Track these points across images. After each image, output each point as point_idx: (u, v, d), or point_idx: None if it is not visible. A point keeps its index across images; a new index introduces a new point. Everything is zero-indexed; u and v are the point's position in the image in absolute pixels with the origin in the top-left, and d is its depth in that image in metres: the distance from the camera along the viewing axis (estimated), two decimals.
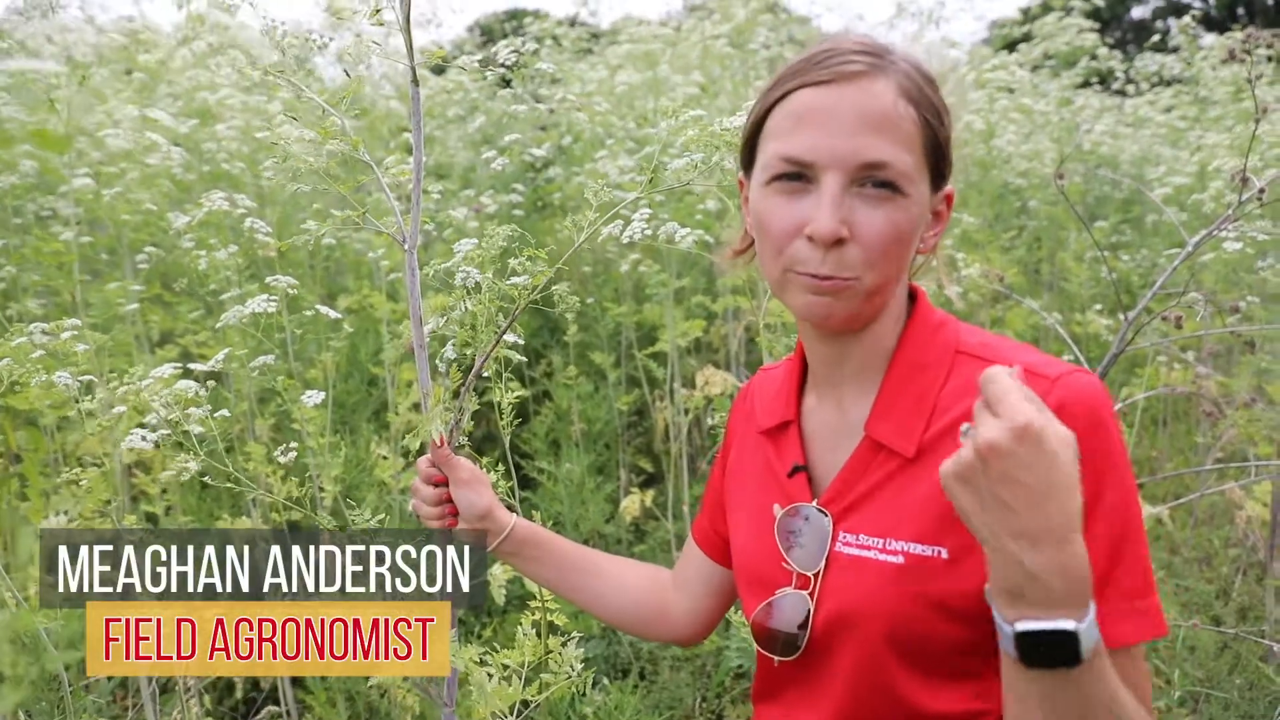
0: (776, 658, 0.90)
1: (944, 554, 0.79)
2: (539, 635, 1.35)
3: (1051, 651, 0.64)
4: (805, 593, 0.87)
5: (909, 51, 0.83)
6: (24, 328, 1.45)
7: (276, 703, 2.32)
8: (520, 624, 1.35)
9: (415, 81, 1.03)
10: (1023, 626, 0.65)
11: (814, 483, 0.91)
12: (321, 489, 2.22)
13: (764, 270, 0.86)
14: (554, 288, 1.14)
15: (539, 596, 1.38)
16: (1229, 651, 2.43)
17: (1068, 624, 0.63)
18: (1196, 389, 2.69)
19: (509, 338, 1.18)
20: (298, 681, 2.30)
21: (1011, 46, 4.75)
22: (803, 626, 0.87)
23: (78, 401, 1.42)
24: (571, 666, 1.32)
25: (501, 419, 1.25)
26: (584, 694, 2.32)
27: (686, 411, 2.88)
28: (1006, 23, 5.79)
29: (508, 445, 1.27)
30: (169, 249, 2.49)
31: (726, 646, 2.36)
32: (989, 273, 2.40)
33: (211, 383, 1.49)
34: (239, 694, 2.36)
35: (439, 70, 4.60)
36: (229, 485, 1.63)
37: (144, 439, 1.20)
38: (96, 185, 2.10)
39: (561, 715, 1.90)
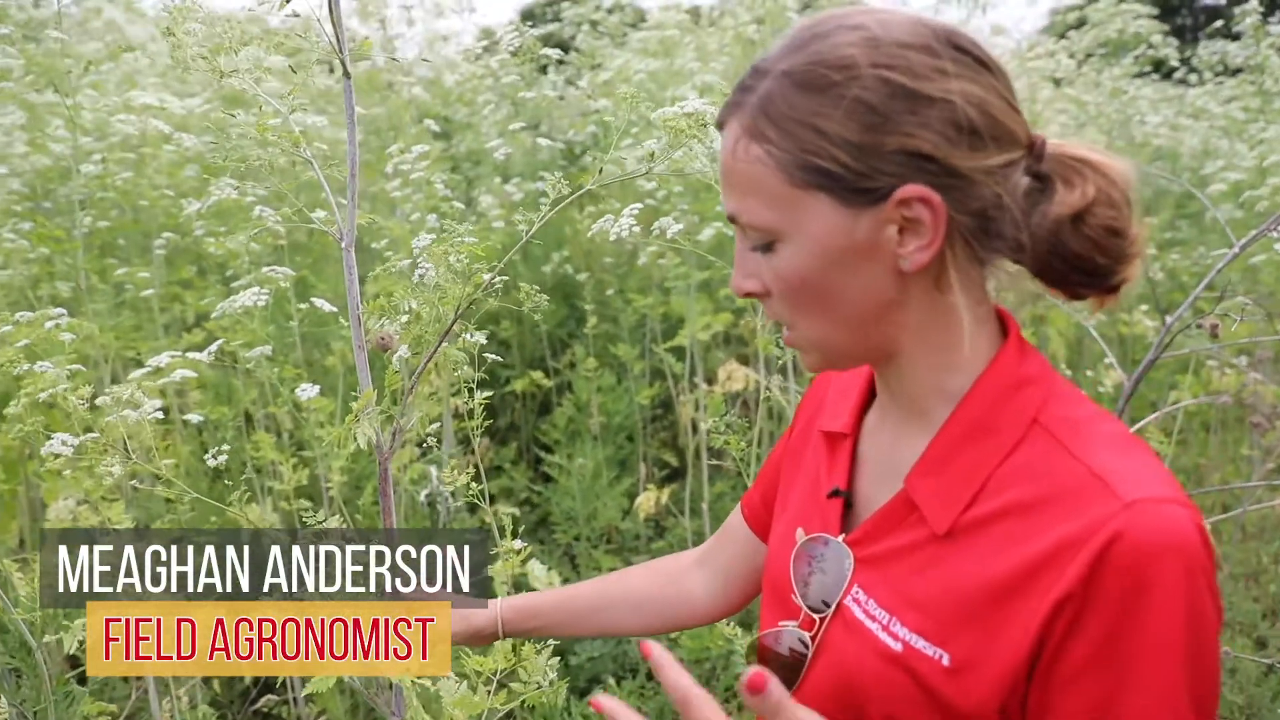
0: None
1: (945, 659, 0.68)
2: (513, 644, 1.31)
3: None
4: (808, 634, 0.79)
5: (806, 51, 0.69)
6: (9, 316, 1.45)
7: (284, 688, 2.33)
8: None
9: (347, 74, 0.99)
10: None
11: (851, 513, 0.81)
12: (328, 481, 2.22)
13: None
14: (580, 276, 1.10)
15: None
16: (1274, 677, 2.30)
17: None
18: (1244, 397, 2.55)
19: (472, 338, 1.14)
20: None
21: (1067, 34, 4.57)
22: (798, 668, 0.80)
23: (65, 398, 1.42)
24: (544, 675, 1.28)
25: (472, 420, 1.21)
26: (583, 696, 2.29)
27: (705, 407, 2.82)
28: (1065, 9, 5.59)
29: (478, 449, 1.23)
30: (187, 235, 2.51)
31: (735, 651, 2.30)
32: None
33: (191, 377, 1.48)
34: (247, 679, 2.38)
35: (477, 57, 4.59)
36: (242, 474, 1.62)
37: (64, 444, 1.18)
38: (105, 171, 2.11)
39: (556, 718, 1.87)
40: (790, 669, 0.80)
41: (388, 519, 1.17)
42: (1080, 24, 4.00)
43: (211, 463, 1.26)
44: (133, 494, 2.30)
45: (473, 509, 2.82)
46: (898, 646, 0.71)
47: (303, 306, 1.87)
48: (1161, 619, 0.61)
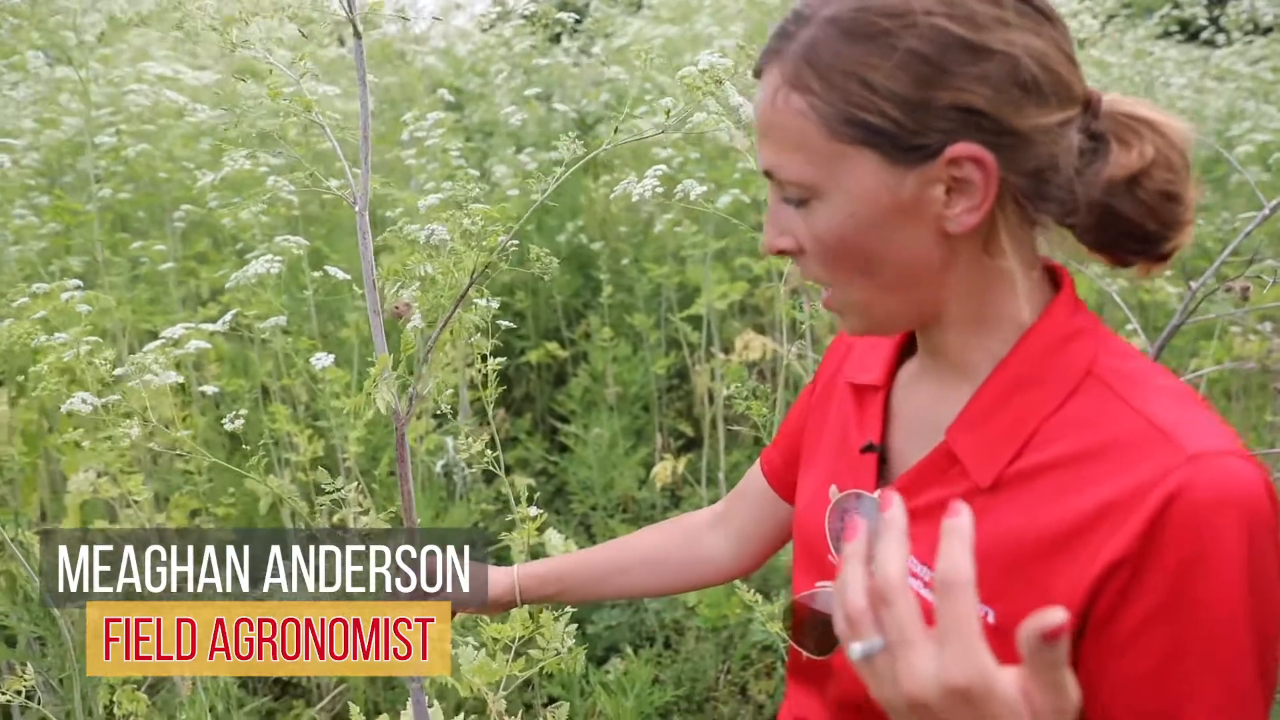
0: (805, 653, 0.82)
1: (991, 616, 0.66)
2: (530, 611, 1.31)
3: None
4: None
5: None
6: (26, 287, 1.45)
7: None
8: None
9: (357, 35, 0.97)
10: None
11: (886, 467, 0.79)
12: (345, 451, 2.22)
13: None
14: (594, 245, 1.09)
15: None
16: None
17: None
18: (1269, 364, 2.51)
19: (484, 303, 1.12)
20: None
21: None
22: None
23: (90, 363, 1.42)
24: (561, 642, 1.28)
25: (485, 390, 1.20)
26: (601, 664, 2.30)
27: (721, 376, 2.80)
28: None
29: (492, 414, 1.22)
30: (204, 207, 2.51)
31: (753, 619, 2.30)
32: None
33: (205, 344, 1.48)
34: None
35: (490, 26, 4.55)
36: (260, 443, 1.62)
37: (84, 402, 1.18)
38: (119, 144, 2.11)
39: (574, 685, 1.88)
40: (829, 630, 0.78)
41: (405, 484, 1.17)
42: None
43: (229, 426, 1.26)
44: (152, 467, 2.32)
45: (489, 479, 2.83)
46: None
47: (317, 275, 1.87)
48: (1223, 576, 0.58)
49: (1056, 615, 0.46)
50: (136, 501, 1.82)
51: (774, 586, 2.45)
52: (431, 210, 1.10)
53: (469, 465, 2.25)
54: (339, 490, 1.09)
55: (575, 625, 1.35)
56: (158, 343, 1.69)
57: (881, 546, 0.53)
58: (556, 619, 1.31)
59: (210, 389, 1.76)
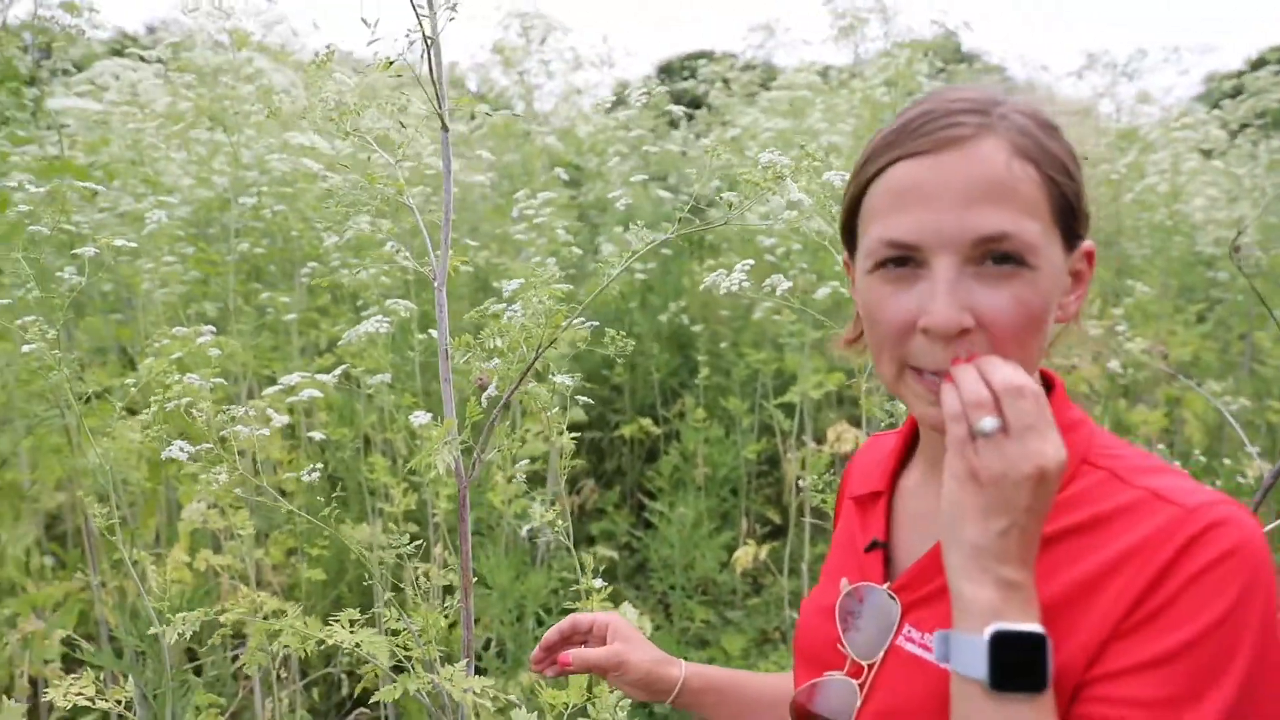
0: None
1: None
2: (590, 681, 1.33)
3: (1022, 665, 0.62)
4: (856, 682, 0.80)
5: (1023, 98, 0.72)
6: (167, 330, 1.59)
7: (378, 705, 2.42)
8: None
9: (445, 128, 1.07)
10: (999, 627, 0.63)
11: (891, 564, 0.83)
12: (434, 507, 2.30)
13: (877, 368, 0.75)
14: (695, 327, 1.14)
15: None
16: None
17: (1039, 629, 0.63)
18: None
19: (559, 379, 1.18)
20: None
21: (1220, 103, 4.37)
22: (848, 718, 0.80)
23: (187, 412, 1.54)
24: (613, 714, 1.29)
25: (561, 460, 1.25)
26: None
27: (809, 466, 2.79)
28: (1225, 76, 5.34)
29: (563, 485, 1.27)
30: (328, 265, 2.69)
31: (594, 699, 2.24)
32: (1153, 348, 2.17)
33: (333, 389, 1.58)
34: (344, 690, 2.47)
35: (610, 110, 4.77)
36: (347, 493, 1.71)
37: (181, 450, 1.28)
38: (259, 204, 2.30)
39: None
40: None
41: (464, 543, 1.23)
42: (1236, 93, 3.81)
43: (306, 479, 1.35)
44: (257, 503, 2.45)
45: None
46: None
47: (422, 337, 1.97)
48: (1242, 602, 0.63)
49: None
50: (239, 535, 1.93)
51: None
52: (515, 292, 1.17)
53: (554, 532, 2.30)
54: (405, 545, 1.15)
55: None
56: (275, 388, 1.82)
57: (992, 366, 0.65)
58: (610, 690, 1.33)
59: (317, 435, 1.87)
